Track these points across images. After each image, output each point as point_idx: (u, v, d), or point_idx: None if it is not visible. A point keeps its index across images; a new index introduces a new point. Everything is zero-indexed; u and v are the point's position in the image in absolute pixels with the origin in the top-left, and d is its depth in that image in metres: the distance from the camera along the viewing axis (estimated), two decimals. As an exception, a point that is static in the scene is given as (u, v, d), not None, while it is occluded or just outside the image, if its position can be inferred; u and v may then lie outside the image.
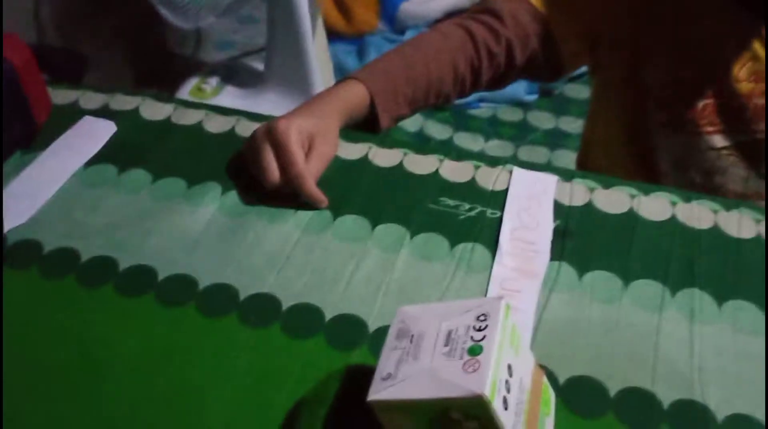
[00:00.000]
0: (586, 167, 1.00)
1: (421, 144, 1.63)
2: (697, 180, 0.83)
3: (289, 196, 0.68)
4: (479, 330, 0.44)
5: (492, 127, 1.72)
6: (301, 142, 0.68)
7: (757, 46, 0.75)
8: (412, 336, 0.46)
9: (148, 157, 0.74)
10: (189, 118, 0.80)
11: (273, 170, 0.67)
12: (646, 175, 0.86)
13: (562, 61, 0.83)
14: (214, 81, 1.70)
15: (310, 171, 0.67)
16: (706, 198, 0.69)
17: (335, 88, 0.76)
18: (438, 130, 1.68)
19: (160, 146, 0.76)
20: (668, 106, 0.80)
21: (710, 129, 0.79)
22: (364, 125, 0.78)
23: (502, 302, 0.46)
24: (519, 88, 1.78)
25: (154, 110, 0.81)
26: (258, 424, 0.51)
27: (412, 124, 1.67)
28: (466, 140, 1.68)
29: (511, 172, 0.72)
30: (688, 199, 0.68)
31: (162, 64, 1.88)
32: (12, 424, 0.51)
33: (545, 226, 0.66)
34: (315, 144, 0.69)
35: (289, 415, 0.51)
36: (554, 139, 1.66)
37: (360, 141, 0.76)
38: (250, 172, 0.70)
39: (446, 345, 0.44)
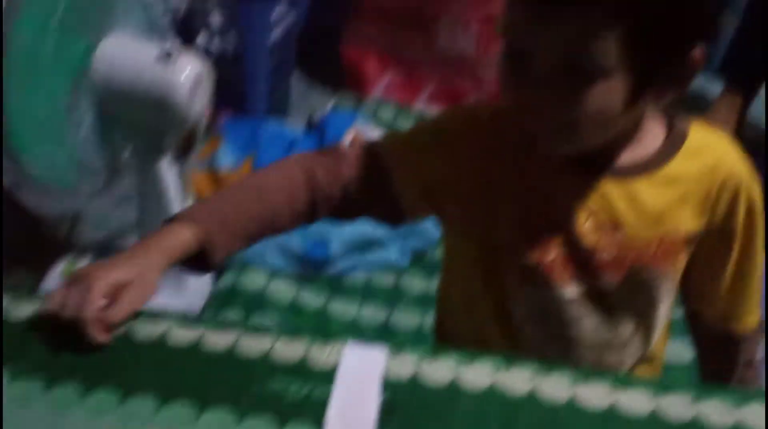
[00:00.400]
0: (444, 325, 1.03)
1: (293, 315, 1.65)
2: (553, 331, 0.86)
3: (110, 383, 0.68)
4: None
5: (366, 294, 1.75)
6: (106, 290, 0.69)
7: (595, 203, 0.80)
8: None
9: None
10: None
11: (58, 302, 0.69)
12: (503, 327, 0.89)
13: (402, 209, 0.86)
14: (86, 261, 1.69)
15: (111, 316, 0.69)
16: (524, 363, 0.72)
17: (160, 232, 0.76)
18: (312, 299, 1.71)
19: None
20: (518, 259, 0.84)
21: (561, 280, 0.83)
22: (193, 263, 0.78)
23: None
24: (392, 254, 1.84)
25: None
26: None
27: (285, 293, 1.69)
28: (340, 308, 1.70)
29: (342, 348, 0.74)
30: (508, 366, 0.72)
31: (34, 244, 1.86)
32: None
33: (371, 402, 0.67)
34: (124, 292, 0.70)
35: None
36: (427, 302, 1.70)
37: (192, 326, 0.77)
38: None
39: None
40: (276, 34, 2.19)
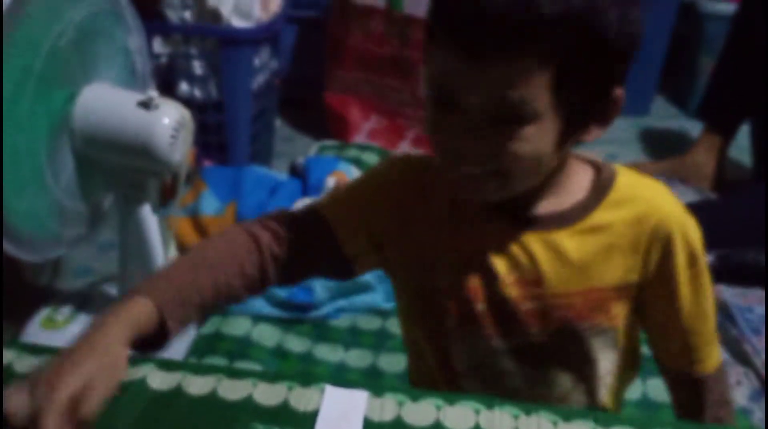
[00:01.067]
0: (411, 372, 1.03)
1: (278, 360, 1.64)
2: (488, 382, 0.85)
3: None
4: None
5: (352, 337, 1.74)
6: (72, 390, 0.63)
7: (517, 254, 0.79)
8: None
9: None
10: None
11: (17, 406, 0.62)
12: (447, 377, 0.88)
13: (349, 262, 0.86)
14: (66, 310, 1.68)
15: (83, 414, 0.63)
16: (507, 404, 0.72)
17: (119, 307, 0.72)
18: (297, 344, 1.69)
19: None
20: (453, 306, 0.83)
21: (489, 332, 0.82)
22: (152, 336, 0.74)
23: None
24: (377, 297, 1.83)
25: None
26: None
27: (269, 338, 1.68)
28: (325, 352, 1.68)
29: (323, 391, 0.73)
30: (490, 406, 0.71)
31: (14, 292, 1.84)
32: None
33: None
34: (92, 385, 0.64)
35: None
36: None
37: (173, 369, 0.76)
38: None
39: None
40: (258, 81, 2.21)
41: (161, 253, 1.56)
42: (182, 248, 1.73)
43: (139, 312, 0.72)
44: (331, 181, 2.04)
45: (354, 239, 0.85)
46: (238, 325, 1.68)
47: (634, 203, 0.79)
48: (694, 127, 2.58)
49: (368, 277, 1.81)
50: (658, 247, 0.79)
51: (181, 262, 0.82)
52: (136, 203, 1.50)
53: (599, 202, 0.79)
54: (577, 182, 0.80)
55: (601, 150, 0.86)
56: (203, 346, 1.62)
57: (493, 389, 0.84)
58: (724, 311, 1.69)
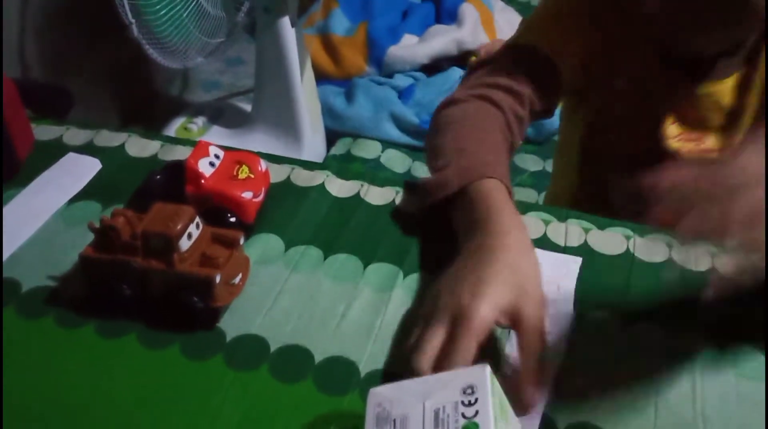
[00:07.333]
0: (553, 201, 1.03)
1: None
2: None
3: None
4: (469, 404, 0.40)
5: (479, 170, 1.71)
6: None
7: (686, 107, 0.77)
8: (394, 421, 0.41)
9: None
10: (177, 154, 0.78)
11: (429, 357, 0.51)
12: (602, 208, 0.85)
13: (559, 89, 0.82)
14: (200, 121, 1.69)
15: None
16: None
17: (507, 201, 0.65)
18: (425, 172, 1.67)
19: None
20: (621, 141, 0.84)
21: None
22: None
23: (486, 370, 0.41)
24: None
25: (140, 147, 0.79)
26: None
27: (399, 164, 1.67)
28: (453, 182, 1.67)
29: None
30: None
31: (148, 105, 1.87)
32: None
33: (562, 311, 0.61)
34: (521, 320, 0.52)
35: (276, 462, 0.49)
36: (541, 181, 1.66)
37: (352, 178, 0.75)
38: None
39: (436, 427, 0.39)
40: None
41: (297, 68, 1.53)
42: (313, 67, 1.70)
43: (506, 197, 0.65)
44: (467, 8, 1.94)
45: (568, 59, 0.80)
46: (368, 148, 1.67)
47: None
48: None
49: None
50: None
51: (474, 136, 0.73)
52: (275, 15, 1.46)
53: None
54: None
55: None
56: (335, 167, 1.63)
57: None
58: None
